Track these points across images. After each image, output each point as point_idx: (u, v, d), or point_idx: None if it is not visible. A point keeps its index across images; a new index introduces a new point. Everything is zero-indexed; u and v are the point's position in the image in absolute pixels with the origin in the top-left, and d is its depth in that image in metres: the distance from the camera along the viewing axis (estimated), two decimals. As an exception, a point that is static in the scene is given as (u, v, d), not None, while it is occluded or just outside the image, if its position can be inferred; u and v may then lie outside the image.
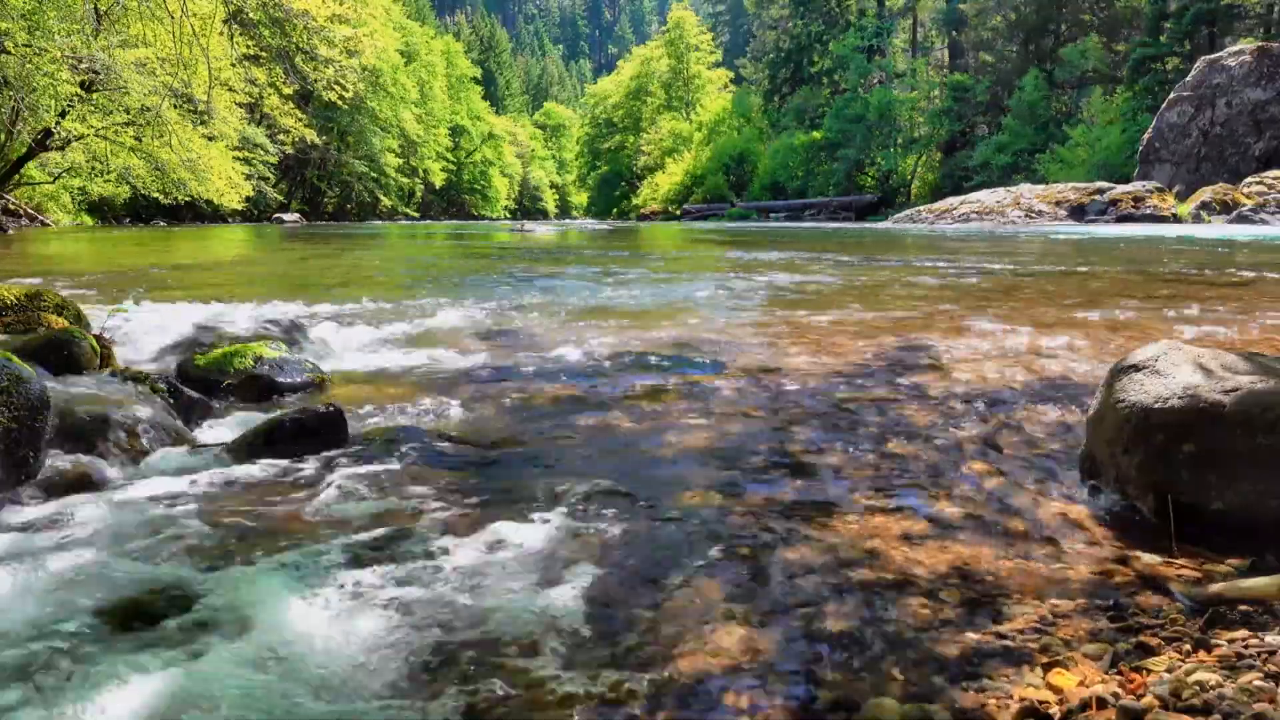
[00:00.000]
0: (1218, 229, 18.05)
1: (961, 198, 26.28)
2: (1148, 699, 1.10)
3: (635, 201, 54.48)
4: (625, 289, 6.72)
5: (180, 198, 20.69)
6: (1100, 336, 3.96)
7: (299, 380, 3.05)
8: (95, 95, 16.54)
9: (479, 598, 1.39)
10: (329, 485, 1.92)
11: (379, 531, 1.65)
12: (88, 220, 26.66)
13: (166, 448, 2.22)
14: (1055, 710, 1.10)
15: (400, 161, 48.77)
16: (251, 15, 23.08)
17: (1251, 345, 3.69)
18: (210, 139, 19.71)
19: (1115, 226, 19.78)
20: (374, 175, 46.70)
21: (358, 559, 1.52)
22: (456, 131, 60.60)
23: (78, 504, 1.80)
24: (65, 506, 1.78)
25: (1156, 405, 1.76)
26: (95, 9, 15.13)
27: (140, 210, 28.84)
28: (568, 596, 1.40)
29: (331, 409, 2.30)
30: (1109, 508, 1.82)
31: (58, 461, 1.99)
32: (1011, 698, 1.13)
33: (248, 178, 23.43)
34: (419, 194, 54.26)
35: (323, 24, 19.46)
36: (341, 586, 1.41)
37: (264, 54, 26.23)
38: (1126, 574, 1.51)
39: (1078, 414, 2.48)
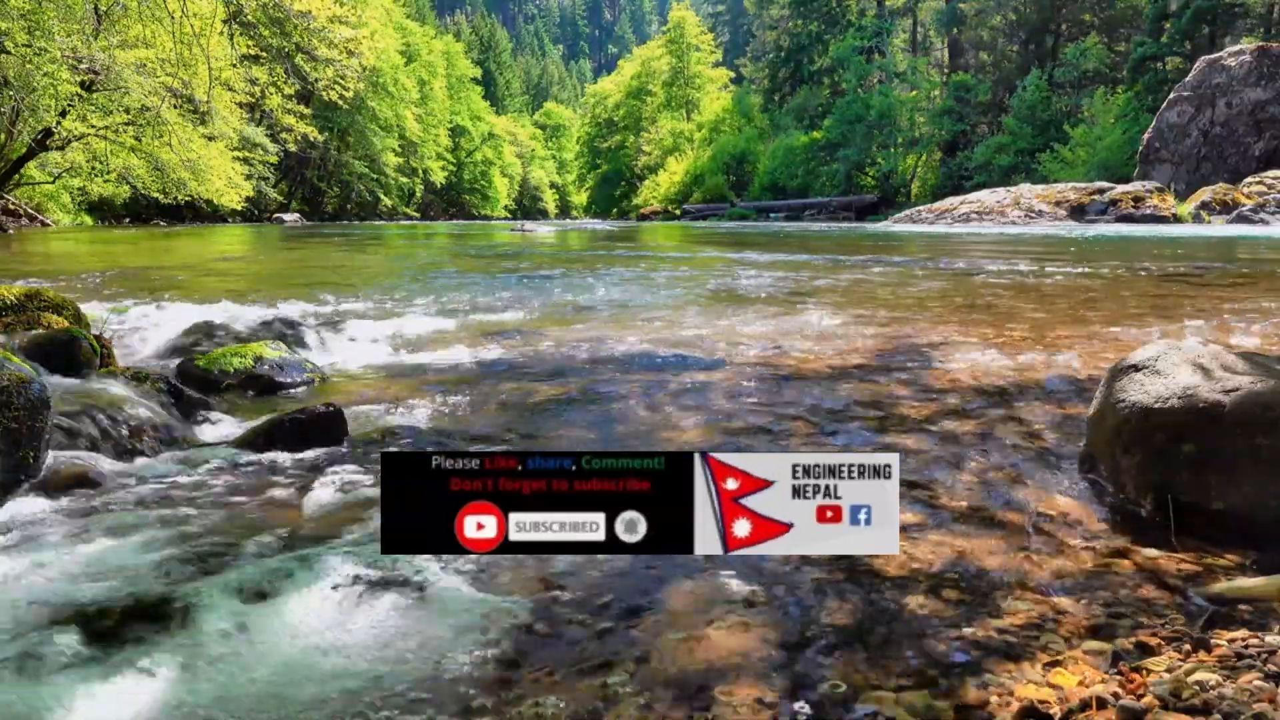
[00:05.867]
0: (1218, 229, 18.05)
1: (962, 198, 26.26)
2: (1148, 699, 1.11)
3: (635, 201, 54.46)
4: (624, 288, 6.72)
5: (180, 198, 20.70)
6: (1100, 335, 3.96)
7: (299, 379, 3.06)
8: (95, 95, 16.55)
9: (483, 592, 1.39)
10: (329, 484, 1.92)
11: (378, 528, 1.65)
12: (87, 220, 26.66)
13: (167, 447, 2.22)
14: (1055, 709, 1.10)
15: (400, 161, 48.77)
16: (251, 16, 23.12)
17: (1252, 346, 3.70)
18: (210, 139, 19.71)
19: (1115, 226, 19.78)
20: (374, 175, 46.70)
21: (358, 557, 1.52)
22: (456, 131, 60.58)
23: (78, 503, 1.80)
24: (66, 505, 1.78)
25: (1156, 405, 1.76)
26: (95, 9, 15.13)
27: (140, 210, 28.84)
28: (568, 581, 1.40)
29: (331, 408, 2.30)
30: (1109, 507, 1.82)
31: (58, 461, 1.99)
32: (1012, 696, 1.13)
33: (247, 178, 23.43)
34: (419, 194, 54.26)
35: (323, 25, 19.45)
36: (343, 584, 1.41)
37: (264, 54, 26.23)
38: (1127, 573, 1.51)
39: (1078, 413, 2.48)
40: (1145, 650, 1.25)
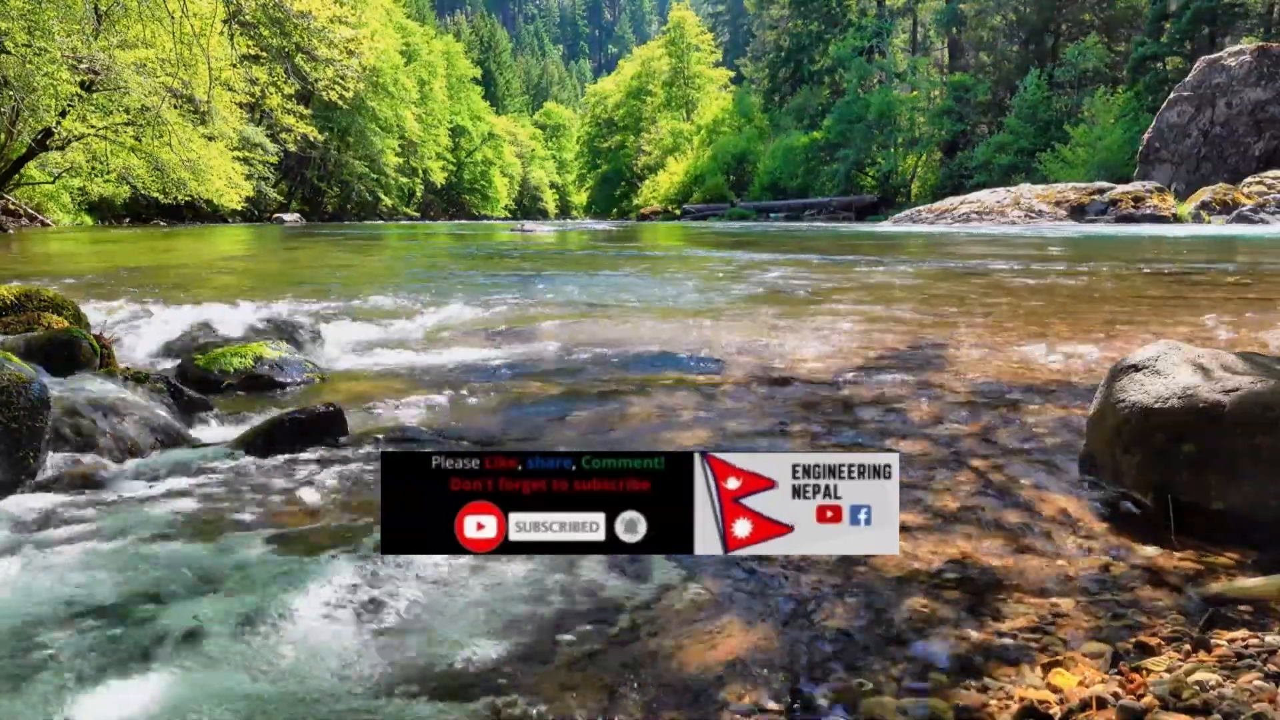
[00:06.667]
0: (1218, 229, 18.05)
1: (962, 198, 26.23)
2: (1148, 699, 1.11)
3: (635, 201, 54.43)
4: (625, 288, 6.72)
5: (180, 198, 20.69)
6: (1099, 335, 3.96)
7: (299, 379, 3.06)
8: (95, 95, 16.55)
9: (483, 592, 1.39)
10: (329, 483, 1.92)
11: (378, 528, 1.65)
12: (87, 220, 26.65)
13: (167, 447, 2.22)
14: (1055, 710, 1.10)
15: (400, 161, 48.76)
16: (251, 16, 23.11)
17: (1252, 346, 3.69)
18: (210, 139, 19.71)
19: (1115, 226, 19.76)
20: (374, 175, 46.68)
21: (358, 557, 1.52)
22: (456, 131, 60.58)
23: (78, 503, 1.80)
24: (66, 505, 1.78)
25: (1156, 405, 1.76)
26: (95, 9, 15.13)
27: (140, 210, 28.83)
28: (564, 585, 1.40)
29: (331, 408, 2.30)
30: (1109, 507, 1.82)
31: (58, 460, 1.99)
32: (1012, 697, 1.13)
33: (248, 178, 23.42)
34: (419, 194, 54.26)
35: (323, 25, 19.45)
36: (343, 583, 1.41)
37: (264, 54, 26.22)
38: (1127, 573, 1.51)
39: (1079, 413, 2.48)
40: (1145, 650, 1.25)
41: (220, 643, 1.23)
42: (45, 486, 1.88)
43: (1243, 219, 19.50)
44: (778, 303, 5.64)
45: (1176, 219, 20.38)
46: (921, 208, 27.17)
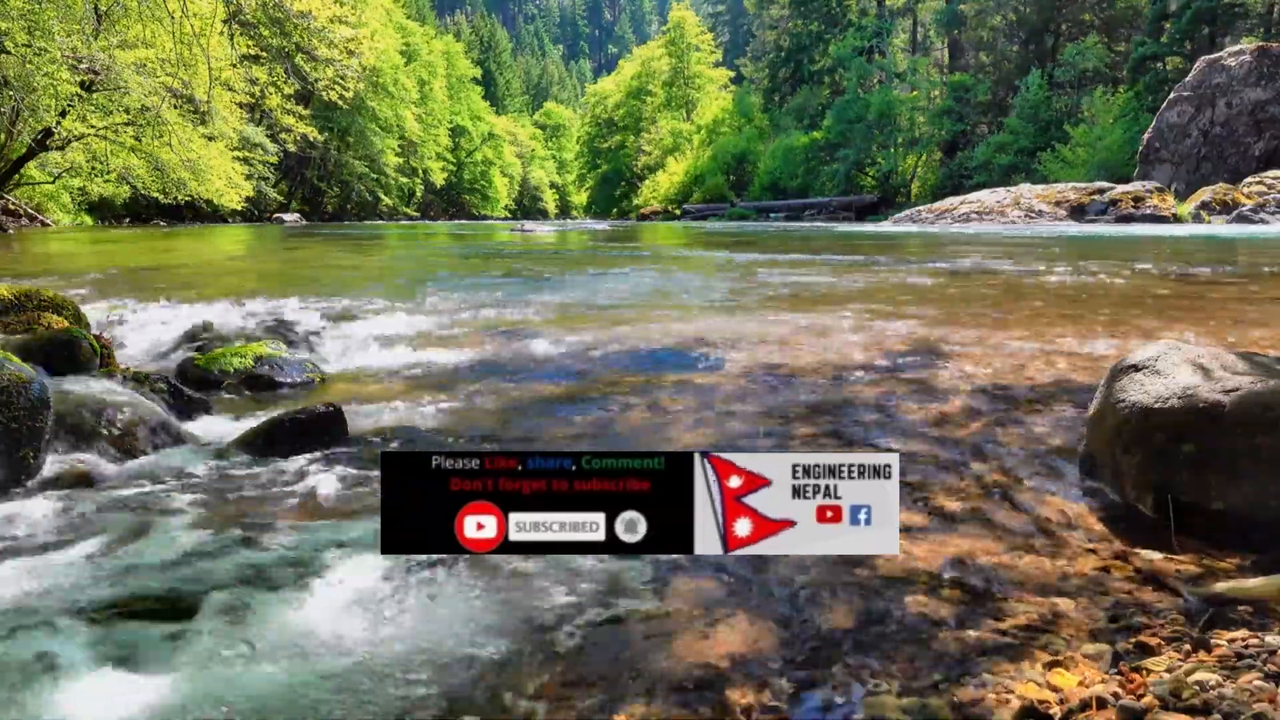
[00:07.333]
0: (1217, 229, 18.05)
1: (962, 198, 26.20)
2: (1148, 699, 1.11)
3: (635, 201, 54.42)
4: (625, 288, 6.72)
5: (180, 198, 20.68)
6: (1100, 335, 3.96)
7: (299, 379, 3.06)
8: (95, 95, 16.55)
9: (484, 592, 1.39)
10: (329, 483, 1.92)
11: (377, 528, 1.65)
12: (87, 220, 26.64)
13: (167, 447, 2.22)
14: (1055, 710, 1.10)
15: (400, 161, 48.76)
16: (251, 16, 23.11)
17: (1252, 346, 3.69)
18: (210, 139, 19.70)
19: (1115, 226, 19.76)
20: (374, 175, 46.68)
21: (358, 557, 1.52)
22: (457, 131, 60.59)
23: (78, 502, 1.80)
24: (66, 505, 1.78)
25: (1156, 405, 1.76)
26: (95, 9, 15.14)
27: (140, 210, 28.82)
28: (565, 583, 1.40)
29: (331, 408, 2.30)
30: (1109, 507, 1.82)
31: (58, 460, 1.99)
32: (1012, 696, 1.13)
33: (248, 177, 23.41)
34: (419, 194, 54.26)
35: (323, 25, 19.46)
36: (343, 584, 1.41)
37: (264, 54, 26.22)
38: (1127, 573, 1.51)
39: (1079, 413, 2.48)
40: (1145, 650, 1.25)
41: (219, 642, 1.23)
42: (45, 486, 1.88)
43: (1243, 219, 19.49)
44: (778, 302, 5.64)
45: (1176, 219, 20.37)
46: (921, 208, 27.14)
